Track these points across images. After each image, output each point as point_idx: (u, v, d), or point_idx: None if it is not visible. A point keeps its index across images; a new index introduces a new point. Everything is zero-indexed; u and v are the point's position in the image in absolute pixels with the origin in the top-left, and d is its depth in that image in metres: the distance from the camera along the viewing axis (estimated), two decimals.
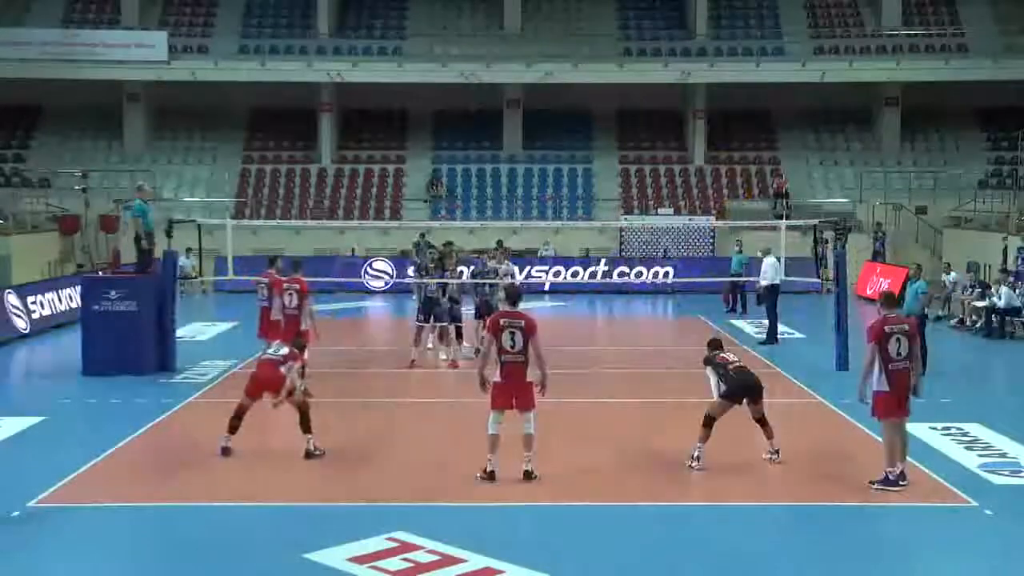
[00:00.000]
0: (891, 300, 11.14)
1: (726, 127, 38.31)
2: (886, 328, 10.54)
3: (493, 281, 18.56)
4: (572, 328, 23.37)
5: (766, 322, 21.19)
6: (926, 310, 17.46)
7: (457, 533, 9.28)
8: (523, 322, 10.53)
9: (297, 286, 15.13)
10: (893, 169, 36.91)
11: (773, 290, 20.88)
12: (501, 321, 10.58)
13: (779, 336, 20.92)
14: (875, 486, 10.63)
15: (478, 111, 38.41)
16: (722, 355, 11.71)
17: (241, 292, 27.45)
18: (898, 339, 10.50)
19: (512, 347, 10.43)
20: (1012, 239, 26.88)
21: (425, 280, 17.95)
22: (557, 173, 37.21)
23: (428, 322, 17.68)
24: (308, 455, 11.70)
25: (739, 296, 25.55)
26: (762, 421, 11.58)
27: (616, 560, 8.88)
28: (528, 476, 10.70)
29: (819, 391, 15.60)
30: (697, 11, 38.01)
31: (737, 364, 11.57)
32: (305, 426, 11.76)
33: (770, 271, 21.02)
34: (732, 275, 25.74)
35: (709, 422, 11.36)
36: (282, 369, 11.82)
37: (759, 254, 22.49)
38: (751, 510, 10.32)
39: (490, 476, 10.70)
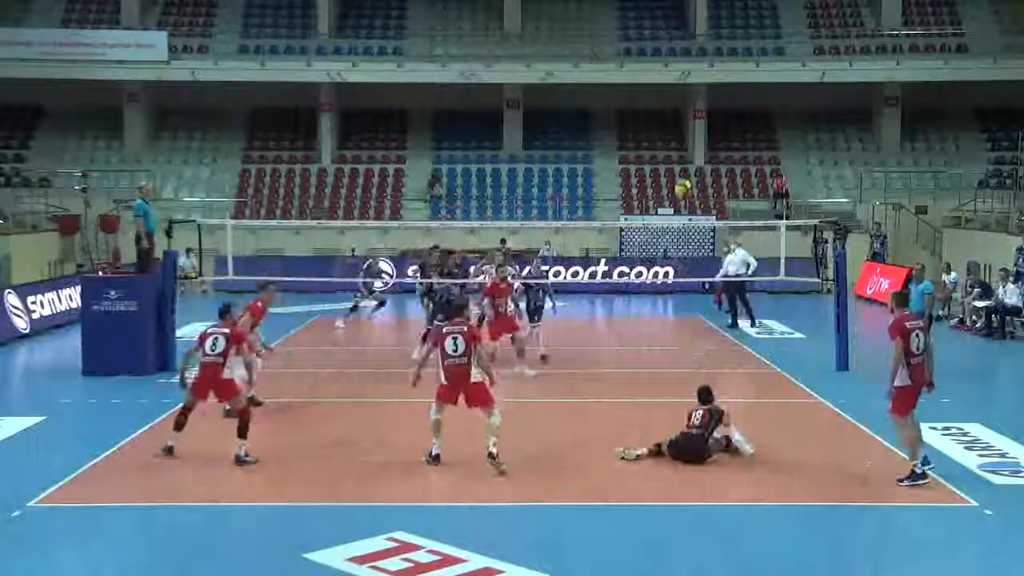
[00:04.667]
0: (903, 299, 11.53)
1: (726, 127, 38.29)
2: (907, 324, 10.86)
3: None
4: (572, 328, 23.36)
5: (764, 321, 21.45)
6: (930, 310, 17.53)
7: (457, 533, 9.28)
8: (465, 329, 11.38)
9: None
10: (893, 169, 36.91)
11: (740, 282, 22.48)
12: (444, 329, 11.44)
13: (756, 322, 22.51)
14: (904, 483, 10.68)
15: (478, 111, 38.39)
16: (692, 411, 11.80)
17: (241, 293, 27.48)
18: (917, 335, 10.84)
19: (455, 351, 11.15)
20: (1012, 239, 26.85)
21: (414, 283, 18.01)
22: (557, 173, 37.20)
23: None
24: (238, 461, 11.40)
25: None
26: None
27: (616, 560, 8.88)
28: (492, 457, 10.94)
29: (819, 391, 15.58)
30: (697, 11, 38.00)
31: (688, 427, 11.65)
32: (242, 432, 11.47)
33: (741, 265, 22.48)
34: (724, 275, 25.67)
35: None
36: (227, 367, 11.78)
37: (732, 247, 22.91)
38: (751, 510, 10.32)
39: (435, 459, 11.21)
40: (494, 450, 10.96)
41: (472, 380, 11.16)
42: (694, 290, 28.47)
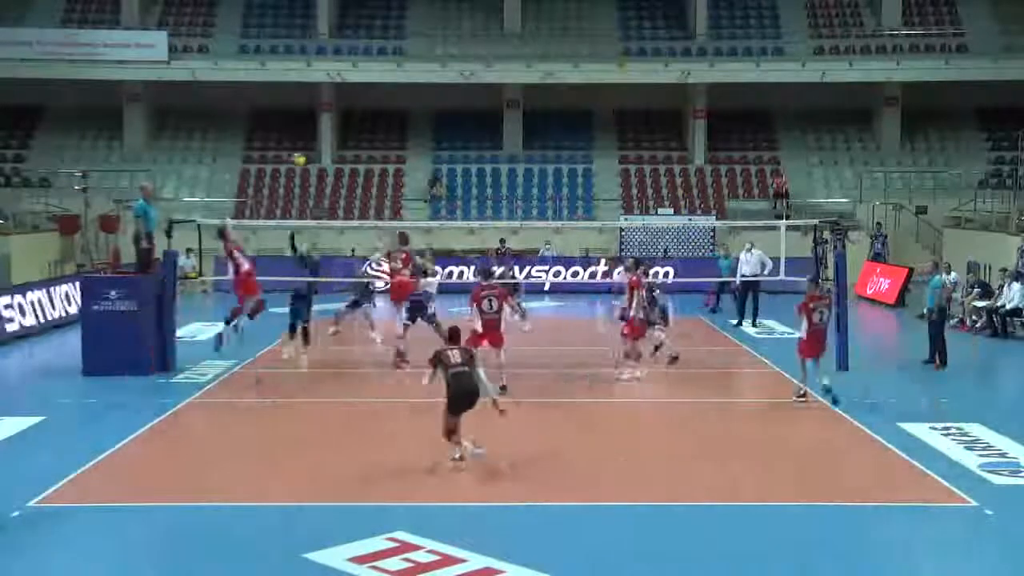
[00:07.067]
0: (815, 282, 15.33)
1: (726, 127, 38.28)
2: (811, 304, 14.41)
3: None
4: (572, 329, 23.36)
5: (764, 320, 21.75)
6: (939, 302, 17.98)
7: (457, 533, 9.28)
8: (496, 291, 14.85)
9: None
10: (893, 169, 36.91)
11: (755, 283, 22.89)
12: (483, 292, 14.68)
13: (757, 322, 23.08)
14: (795, 400, 14.54)
15: (478, 111, 38.38)
16: (448, 351, 11.42)
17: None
18: (820, 311, 14.48)
19: (490, 308, 14.45)
20: (1012, 239, 26.83)
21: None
22: (557, 173, 37.21)
23: (414, 321, 17.85)
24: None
25: (731, 297, 25.52)
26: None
27: (616, 560, 8.88)
28: (503, 389, 13.76)
29: (819, 391, 15.55)
30: (697, 11, 38.00)
31: (457, 365, 11.22)
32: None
33: (756, 266, 22.80)
34: (724, 277, 25.68)
35: (448, 435, 11.31)
36: None
37: (747, 246, 22.98)
38: (751, 510, 10.32)
39: None
40: (504, 383, 14.07)
41: (500, 331, 14.54)
42: (695, 290, 28.43)
